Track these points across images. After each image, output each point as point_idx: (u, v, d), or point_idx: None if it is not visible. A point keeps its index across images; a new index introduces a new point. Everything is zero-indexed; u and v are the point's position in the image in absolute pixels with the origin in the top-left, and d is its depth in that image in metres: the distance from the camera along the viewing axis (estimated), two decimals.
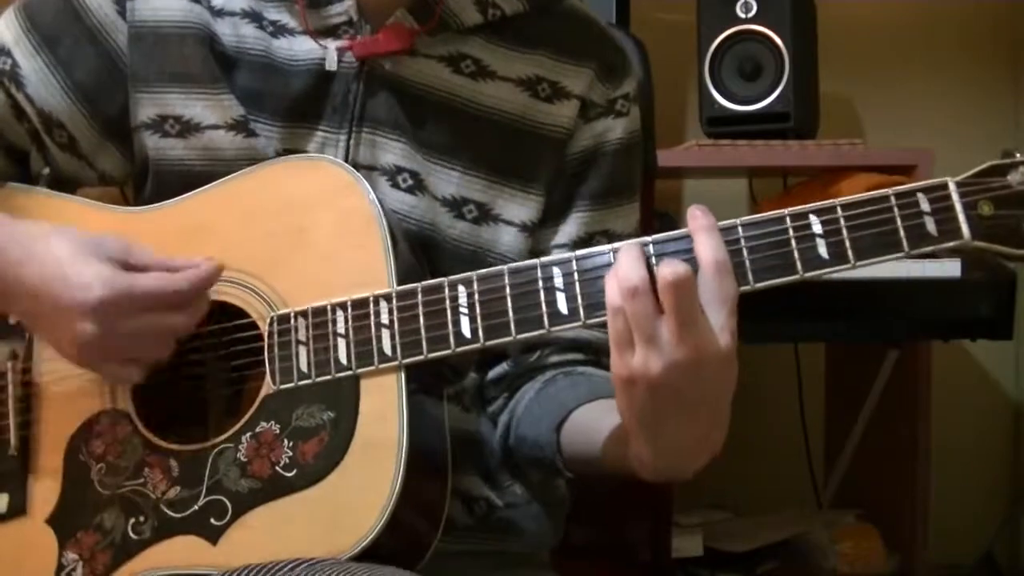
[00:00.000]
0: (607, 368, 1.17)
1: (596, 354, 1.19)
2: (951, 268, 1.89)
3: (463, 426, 1.17)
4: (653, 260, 0.94)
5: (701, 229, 0.92)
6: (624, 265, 0.92)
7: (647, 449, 0.95)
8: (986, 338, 1.99)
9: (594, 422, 1.07)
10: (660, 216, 2.02)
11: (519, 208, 1.18)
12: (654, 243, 0.95)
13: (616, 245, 0.96)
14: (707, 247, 0.91)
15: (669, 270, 0.89)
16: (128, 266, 1.04)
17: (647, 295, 0.90)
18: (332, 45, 1.15)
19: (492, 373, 1.21)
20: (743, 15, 2.24)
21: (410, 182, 1.15)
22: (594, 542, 1.77)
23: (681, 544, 2.13)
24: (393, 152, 1.15)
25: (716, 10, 2.27)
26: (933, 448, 2.19)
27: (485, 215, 1.17)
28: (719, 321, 0.90)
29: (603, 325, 1.07)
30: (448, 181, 1.16)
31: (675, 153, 2.21)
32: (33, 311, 1.06)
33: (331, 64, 1.14)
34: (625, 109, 1.23)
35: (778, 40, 2.22)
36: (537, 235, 1.19)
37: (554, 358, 1.19)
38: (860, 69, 2.58)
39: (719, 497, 2.37)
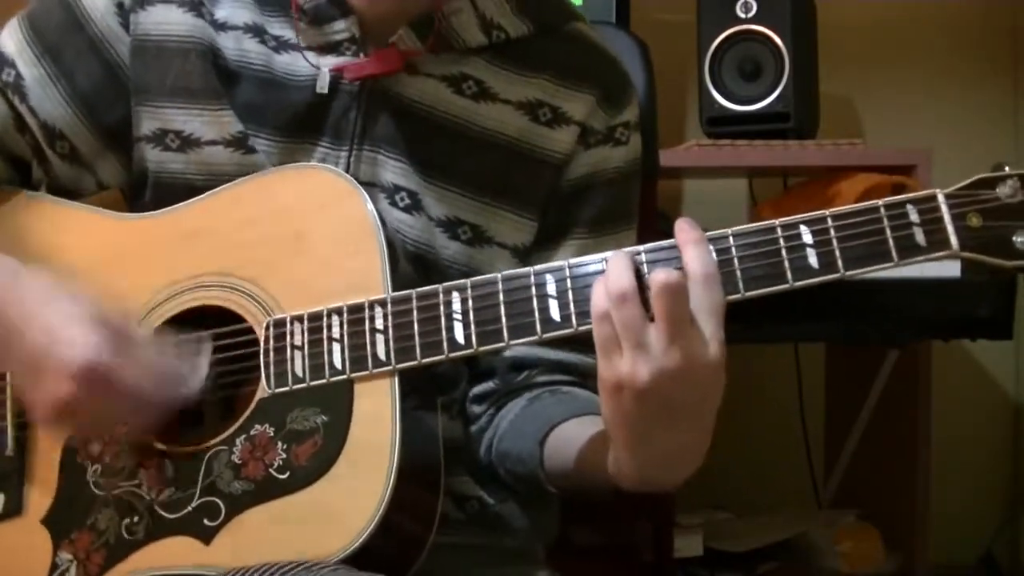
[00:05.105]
0: (593, 390, 1.18)
1: (583, 377, 1.19)
2: (951, 268, 1.88)
3: (452, 434, 1.17)
4: (644, 268, 0.94)
5: (689, 242, 0.93)
6: (614, 272, 0.92)
7: (631, 458, 0.95)
8: (986, 338, 2.00)
9: (576, 436, 1.08)
10: (660, 216, 2.02)
11: (512, 231, 1.18)
12: (645, 252, 0.96)
13: (608, 254, 0.97)
14: (695, 258, 0.92)
15: (662, 276, 0.90)
16: (122, 338, 1.01)
17: (635, 301, 0.91)
18: (326, 67, 1.14)
19: (477, 389, 1.21)
20: (743, 15, 2.25)
21: (408, 201, 1.15)
22: (595, 542, 1.77)
23: (681, 544, 2.13)
24: (393, 171, 1.15)
25: (716, 10, 2.27)
26: (933, 448, 2.19)
27: (479, 237, 1.17)
28: (708, 330, 0.91)
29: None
30: (443, 202, 1.16)
31: (675, 153, 2.21)
32: (18, 361, 1.03)
33: (322, 86, 1.14)
34: (624, 138, 1.21)
35: (778, 40, 2.22)
36: (529, 259, 1.18)
37: (541, 378, 1.19)
38: (860, 69, 2.58)
39: (719, 497, 2.37)
